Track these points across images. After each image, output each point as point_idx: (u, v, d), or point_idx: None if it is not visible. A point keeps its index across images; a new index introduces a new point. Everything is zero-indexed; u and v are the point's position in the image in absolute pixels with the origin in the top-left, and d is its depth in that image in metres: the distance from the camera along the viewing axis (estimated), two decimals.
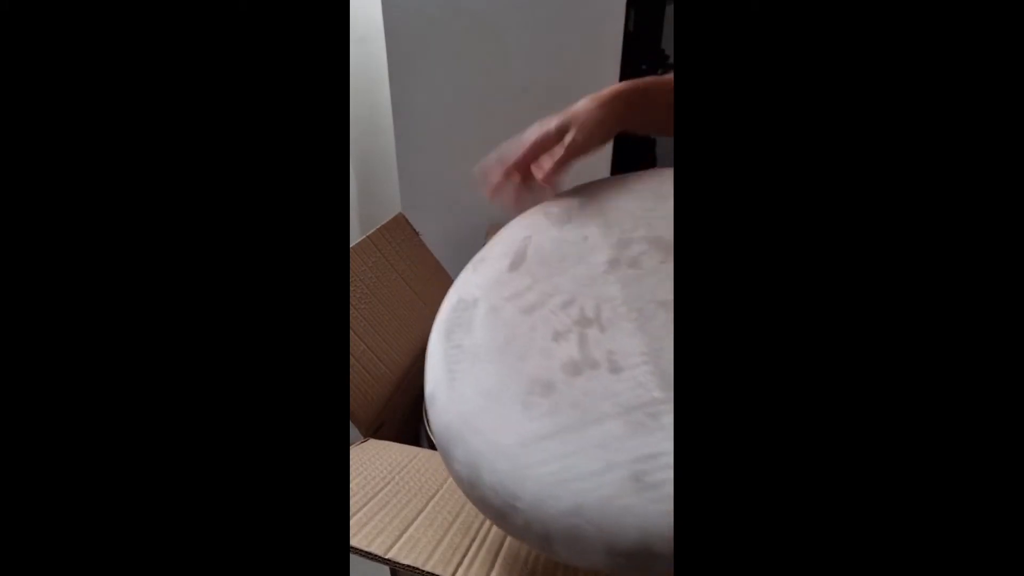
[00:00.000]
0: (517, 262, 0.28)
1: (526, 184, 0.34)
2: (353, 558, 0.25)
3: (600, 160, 0.68)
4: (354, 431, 0.39)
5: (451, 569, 0.24)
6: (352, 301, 0.44)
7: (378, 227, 0.51)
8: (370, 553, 0.25)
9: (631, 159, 0.74)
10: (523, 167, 0.33)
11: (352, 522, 0.27)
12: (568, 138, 0.31)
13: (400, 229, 0.53)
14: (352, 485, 0.30)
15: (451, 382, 0.24)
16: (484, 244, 0.67)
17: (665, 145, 0.77)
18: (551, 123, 0.32)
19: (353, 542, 0.26)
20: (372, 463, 0.33)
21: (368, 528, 0.27)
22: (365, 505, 0.28)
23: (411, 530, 0.27)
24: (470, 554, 0.25)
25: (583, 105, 0.32)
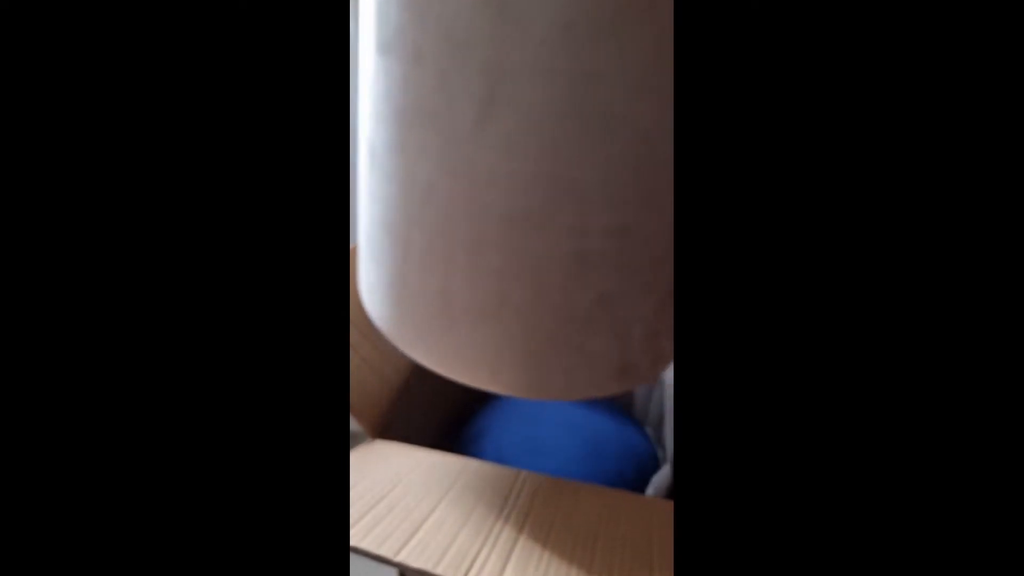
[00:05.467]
0: None
1: None
2: (363, 560, 0.25)
3: None
4: (362, 432, 0.39)
5: (462, 572, 0.24)
6: (358, 300, 0.44)
7: None
8: (380, 556, 0.25)
9: None
10: None
11: (361, 525, 0.27)
12: None
13: None
14: (361, 487, 0.30)
15: None
16: None
17: None
18: None
19: (363, 545, 0.25)
20: (380, 465, 0.32)
21: (378, 531, 0.26)
22: (374, 507, 0.28)
23: (421, 533, 0.26)
24: (481, 557, 0.25)
25: None
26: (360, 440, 0.38)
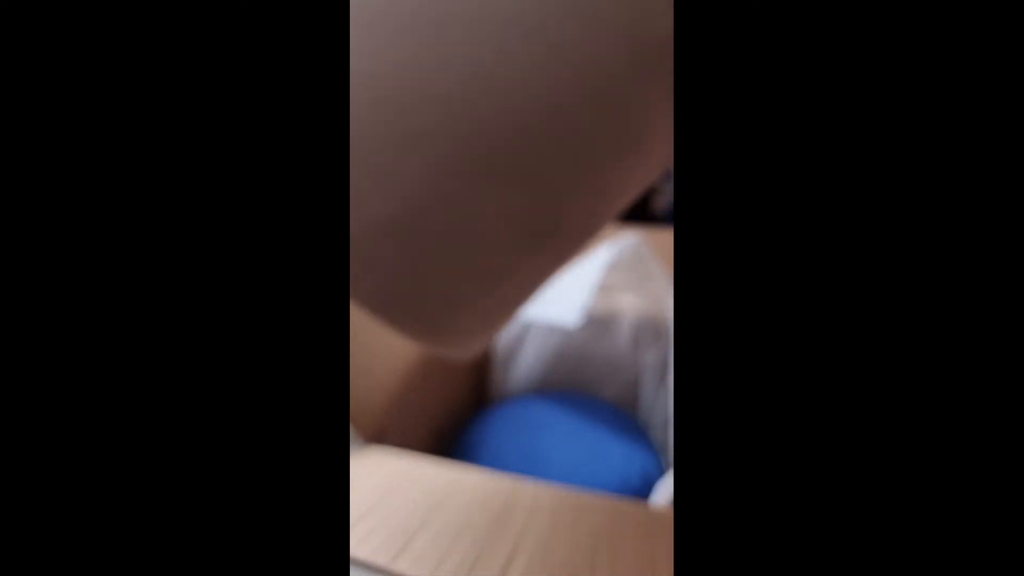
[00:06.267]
0: None
1: None
2: (357, 569, 0.24)
3: None
4: (356, 438, 0.38)
5: None
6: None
7: None
8: (374, 565, 0.24)
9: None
10: None
11: (355, 533, 0.26)
12: None
13: None
14: (355, 495, 0.29)
15: None
16: None
17: None
18: None
19: (355, 552, 0.24)
20: (375, 471, 0.32)
21: (372, 539, 0.25)
22: (367, 514, 0.27)
23: (416, 542, 0.25)
24: (478, 568, 0.24)
25: None
26: (354, 447, 0.37)
